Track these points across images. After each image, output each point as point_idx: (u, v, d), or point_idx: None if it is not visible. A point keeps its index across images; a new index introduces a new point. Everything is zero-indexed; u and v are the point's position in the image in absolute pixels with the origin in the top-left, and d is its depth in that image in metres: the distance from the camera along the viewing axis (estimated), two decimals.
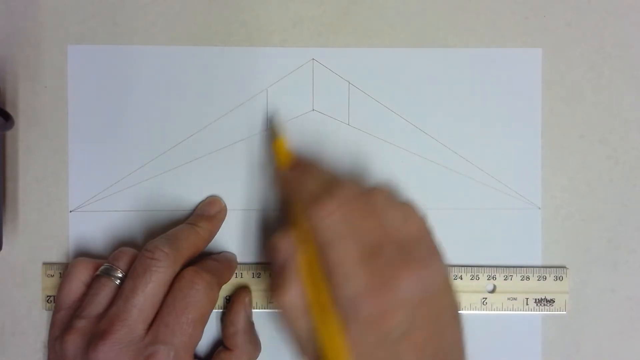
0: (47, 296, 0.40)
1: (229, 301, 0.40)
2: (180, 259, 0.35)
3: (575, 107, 0.42)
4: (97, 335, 0.33)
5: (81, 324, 0.35)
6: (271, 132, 0.41)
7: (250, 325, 0.39)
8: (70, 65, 0.41)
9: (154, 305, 0.34)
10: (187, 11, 0.41)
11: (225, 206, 0.40)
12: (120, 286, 0.35)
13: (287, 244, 0.33)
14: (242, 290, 0.40)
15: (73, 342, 0.34)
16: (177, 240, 0.36)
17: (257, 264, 0.41)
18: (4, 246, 0.39)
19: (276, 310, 0.35)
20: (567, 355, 0.36)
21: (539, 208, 0.42)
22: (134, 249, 0.37)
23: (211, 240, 0.39)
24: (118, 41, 0.41)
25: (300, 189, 0.34)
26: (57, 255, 0.41)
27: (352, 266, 0.30)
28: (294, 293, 0.32)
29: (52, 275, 0.40)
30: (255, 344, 0.39)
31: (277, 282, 0.33)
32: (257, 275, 0.40)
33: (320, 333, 0.31)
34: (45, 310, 0.40)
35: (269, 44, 0.41)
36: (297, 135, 0.41)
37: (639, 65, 0.42)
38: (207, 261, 0.38)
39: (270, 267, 0.37)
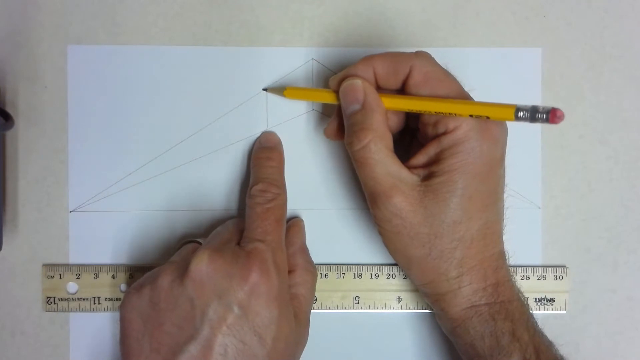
0: (47, 297, 0.40)
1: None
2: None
3: (575, 107, 0.42)
4: (192, 256, 0.34)
5: (174, 259, 0.35)
6: (274, 91, 0.41)
7: (307, 248, 0.40)
8: (70, 65, 0.41)
9: (239, 225, 0.37)
10: (187, 11, 0.41)
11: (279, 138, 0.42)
12: None
13: (361, 88, 0.35)
14: (295, 218, 0.41)
15: (167, 274, 0.34)
16: (254, 172, 0.40)
17: None
18: (4, 246, 0.39)
19: (355, 160, 0.35)
20: (567, 355, 0.35)
21: (539, 208, 0.42)
22: None
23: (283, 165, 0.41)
24: (118, 41, 0.41)
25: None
26: (57, 255, 0.41)
27: None
28: (378, 134, 0.35)
29: (52, 277, 0.40)
30: (314, 266, 0.39)
31: (356, 128, 0.35)
32: None
33: None
34: (45, 311, 0.40)
35: (269, 44, 0.41)
36: (297, 134, 0.41)
37: (639, 65, 0.42)
38: (267, 176, 0.39)
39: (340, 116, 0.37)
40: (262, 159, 0.40)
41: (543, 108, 0.30)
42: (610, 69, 0.42)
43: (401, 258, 0.36)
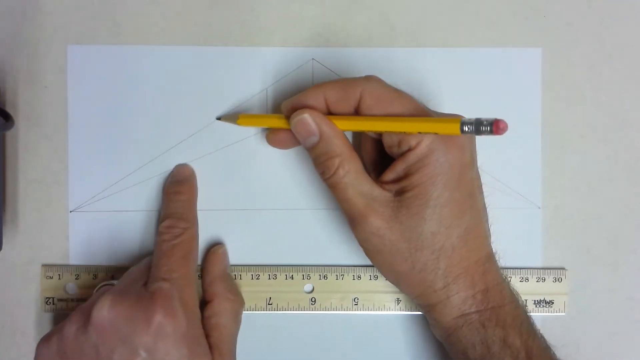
0: (46, 298, 0.40)
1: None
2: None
3: (575, 107, 0.41)
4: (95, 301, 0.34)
5: (84, 305, 0.35)
6: (228, 119, 0.41)
7: (228, 275, 0.40)
8: (70, 65, 0.41)
9: (147, 265, 0.37)
10: (187, 11, 0.41)
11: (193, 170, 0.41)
12: None
13: (311, 121, 0.35)
14: (215, 245, 0.41)
15: (72, 322, 0.34)
16: (162, 208, 0.40)
17: (255, 265, 0.41)
18: (4, 246, 0.39)
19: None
20: (567, 356, 0.36)
21: (539, 208, 0.42)
22: None
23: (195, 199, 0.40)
24: (118, 41, 0.41)
25: None
26: (56, 255, 0.41)
27: None
28: (345, 157, 0.35)
29: (52, 277, 0.40)
30: (236, 294, 0.39)
31: (322, 159, 0.35)
32: (255, 277, 0.41)
33: None
34: (44, 312, 0.40)
35: (269, 44, 0.41)
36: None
37: (639, 65, 0.42)
38: (175, 211, 0.39)
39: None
40: (171, 194, 0.40)
41: (487, 120, 0.31)
42: (610, 69, 0.42)
43: (388, 275, 0.37)
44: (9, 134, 0.40)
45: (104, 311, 0.33)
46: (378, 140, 0.37)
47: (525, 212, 0.41)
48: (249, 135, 0.41)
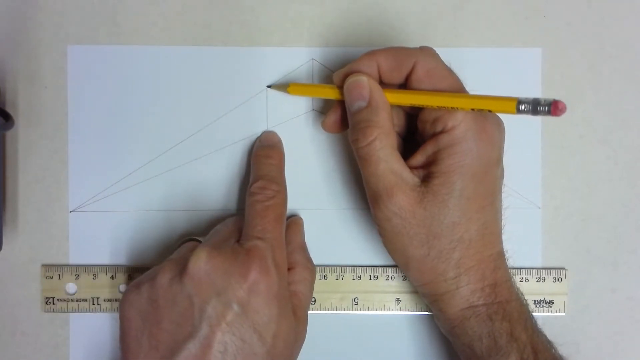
0: (46, 298, 0.40)
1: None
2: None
3: (575, 107, 0.41)
4: (191, 254, 0.34)
5: (174, 257, 0.35)
6: (278, 88, 0.41)
7: (305, 245, 0.40)
8: (70, 65, 0.41)
9: (238, 223, 0.37)
10: (187, 11, 0.41)
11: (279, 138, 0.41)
12: None
13: (367, 85, 0.35)
14: (294, 216, 0.41)
15: (165, 271, 0.34)
16: (253, 170, 0.39)
17: None
18: (4, 246, 0.39)
19: (359, 156, 0.36)
20: (567, 356, 0.36)
21: (539, 208, 0.42)
22: None
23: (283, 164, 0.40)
24: (118, 41, 0.41)
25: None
26: (57, 255, 0.41)
27: None
28: (384, 131, 0.35)
29: (51, 277, 0.40)
30: (313, 264, 0.39)
31: (362, 125, 0.35)
32: None
33: None
34: (44, 312, 0.40)
35: (269, 44, 0.41)
36: (297, 134, 0.41)
37: (639, 65, 0.42)
38: (267, 173, 0.39)
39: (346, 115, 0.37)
40: (262, 157, 0.40)
41: (545, 100, 0.30)
42: (610, 69, 0.42)
43: (400, 258, 0.37)
44: (9, 134, 0.40)
45: (201, 263, 0.33)
46: (405, 125, 0.38)
47: (525, 212, 0.41)
48: (249, 136, 0.41)
